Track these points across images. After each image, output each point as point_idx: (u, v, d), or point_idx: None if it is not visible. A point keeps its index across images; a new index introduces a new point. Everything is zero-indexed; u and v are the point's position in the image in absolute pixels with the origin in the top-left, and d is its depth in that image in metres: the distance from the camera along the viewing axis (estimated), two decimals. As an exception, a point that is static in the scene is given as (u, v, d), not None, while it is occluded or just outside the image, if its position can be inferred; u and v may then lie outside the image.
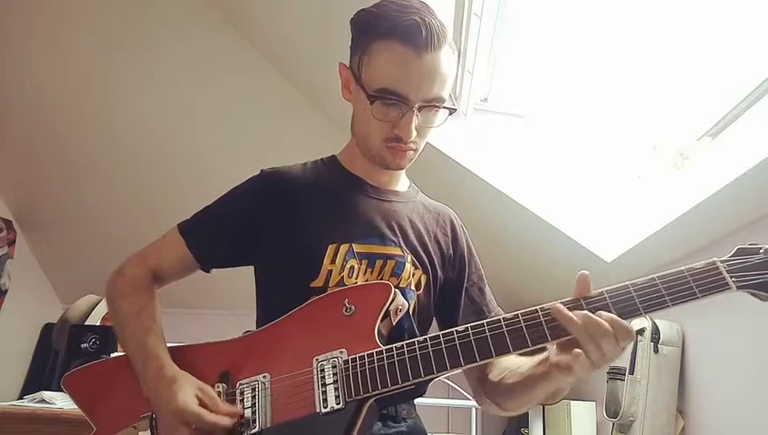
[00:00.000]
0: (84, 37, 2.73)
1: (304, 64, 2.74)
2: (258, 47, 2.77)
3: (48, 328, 3.24)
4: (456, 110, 1.04)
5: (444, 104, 1.01)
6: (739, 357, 1.82)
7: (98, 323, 2.48)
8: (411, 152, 1.04)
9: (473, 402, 2.77)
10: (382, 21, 0.98)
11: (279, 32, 2.69)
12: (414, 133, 1.00)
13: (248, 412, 0.89)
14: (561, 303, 0.83)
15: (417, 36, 0.94)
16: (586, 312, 0.80)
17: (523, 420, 2.79)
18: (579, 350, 0.79)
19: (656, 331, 2.05)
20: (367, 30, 1.00)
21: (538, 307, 0.84)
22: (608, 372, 2.17)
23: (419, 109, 0.98)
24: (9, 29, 2.70)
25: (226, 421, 0.87)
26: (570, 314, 0.80)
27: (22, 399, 2.04)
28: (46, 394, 1.85)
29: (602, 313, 0.80)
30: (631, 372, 2.06)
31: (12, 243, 3.27)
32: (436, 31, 0.96)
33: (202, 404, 0.88)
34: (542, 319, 0.84)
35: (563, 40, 2.23)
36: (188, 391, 0.89)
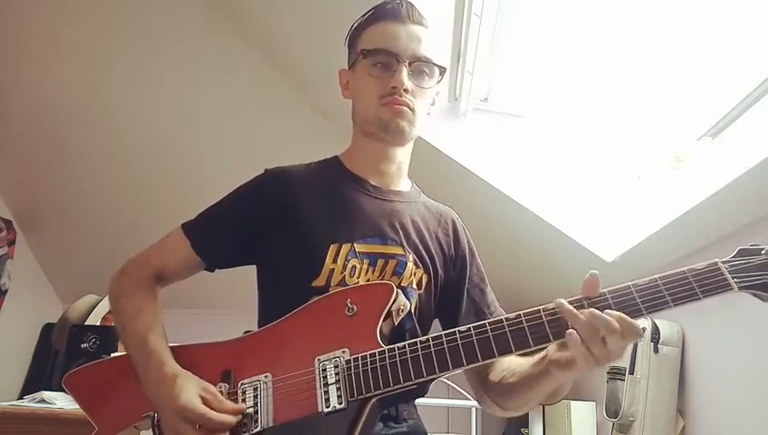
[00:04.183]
0: (84, 37, 2.73)
1: (304, 64, 2.74)
2: (258, 47, 2.77)
3: (48, 328, 3.24)
4: (445, 69, 1.12)
5: (432, 62, 1.08)
6: (739, 357, 1.82)
7: (98, 323, 2.48)
8: (408, 111, 1.06)
9: (473, 402, 2.79)
10: (368, 13, 1.12)
11: (278, 31, 2.69)
12: (407, 85, 1.04)
13: (250, 412, 0.89)
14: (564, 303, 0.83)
15: (398, 10, 1.09)
16: (592, 309, 0.80)
17: (523, 420, 2.80)
18: (580, 345, 0.79)
19: (656, 331, 2.05)
20: (357, 28, 1.13)
21: (540, 307, 0.84)
22: (608, 372, 2.17)
23: (410, 65, 1.06)
24: (9, 29, 2.70)
25: (231, 419, 0.87)
26: (574, 310, 0.81)
27: (22, 399, 2.03)
28: (46, 394, 1.84)
29: (610, 311, 0.80)
30: (631, 372, 2.07)
31: (12, 243, 3.27)
32: (416, 10, 1.10)
33: (206, 403, 0.88)
34: (544, 319, 0.84)
35: (563, 40, 2.23)
36: (192, 390, 0.88)
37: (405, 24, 1.07)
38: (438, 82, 1.11)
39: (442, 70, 1.10)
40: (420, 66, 1.07)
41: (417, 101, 1.07)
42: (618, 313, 0.80)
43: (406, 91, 1.04)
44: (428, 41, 1.09)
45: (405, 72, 1.04)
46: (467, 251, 1.17)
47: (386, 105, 1.05)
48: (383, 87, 1.05)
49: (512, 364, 1.01)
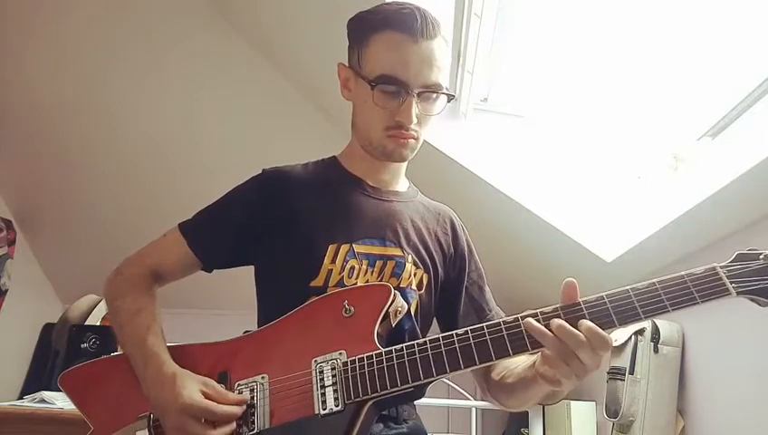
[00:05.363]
0: (84, 37, 2.73)
1: (304, 64, 2.74)
2: (258, 47, 2.77)
3: (48, 328, 3.23)
4: (454, 96, 1.08)
5: (442, 91, 1.03)
6: (739, 357, 1.82)
7: (98, 323, 2.48)
8: (413, 141, 1.05)
9: (473, 402, 2.79)
10: (378, 14, 1.03)
11: (278, 31, 2.69)
12: (414, 120, 1.01)
13: (248, 416, 0.89)
14: (560, 307, 0.83)
15: (412, 23, 0.99)
16: (561, 322, 0.79)
17: (523, 420, 2.80)
18: (556, 360, 0.79)
19: (656, 331, 2.05)
20: (363, 25, 1.05)
21: (538, 311, 0.84)
22: (608, 372, 2.17)
23: (419, 95, 1.00)
24: (8, 29, 2.70)
25: (236, 410, 0.87)
26: (541, 328, 0.80)
27: (22, 399, 2.03)
28: (46, 394, 1.84)
29: (581, 322, 0.79)
30: (631, 372, 2.06)
31: (12, 243, 3.27)
32: (431, 20, 1.01)
33: (207, 397, 0.88)
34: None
35: (563, 40, 2.23)
36: (192, 387, 0.88)
37: (417, 43, 0.99)
38: (446, 104, 1.07)
39: (450, 97, 1.05)
40: (429, 94, 1.03)
41: (422, 130, 1.05)
42: (588, 324, 0.78)
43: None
44: (440, 52, 1.02)
45: (413, 105, 1.00)
46: (466, 249, 1.17)
47: (391, 137, 1.03)
48: (389, 118, 1.02)
49: (511, 364, 1.00)
